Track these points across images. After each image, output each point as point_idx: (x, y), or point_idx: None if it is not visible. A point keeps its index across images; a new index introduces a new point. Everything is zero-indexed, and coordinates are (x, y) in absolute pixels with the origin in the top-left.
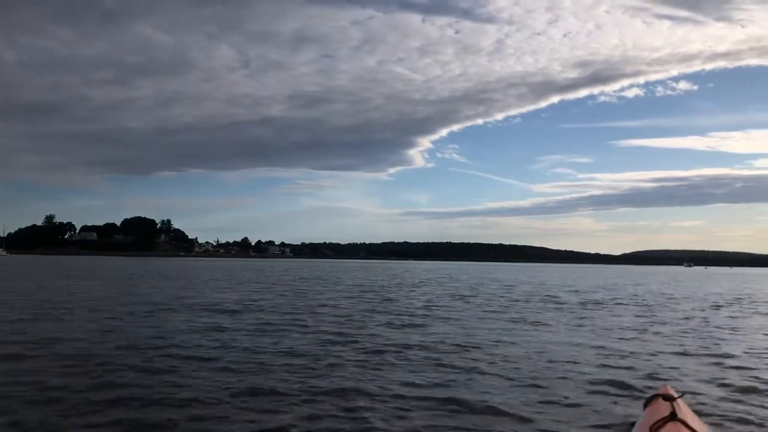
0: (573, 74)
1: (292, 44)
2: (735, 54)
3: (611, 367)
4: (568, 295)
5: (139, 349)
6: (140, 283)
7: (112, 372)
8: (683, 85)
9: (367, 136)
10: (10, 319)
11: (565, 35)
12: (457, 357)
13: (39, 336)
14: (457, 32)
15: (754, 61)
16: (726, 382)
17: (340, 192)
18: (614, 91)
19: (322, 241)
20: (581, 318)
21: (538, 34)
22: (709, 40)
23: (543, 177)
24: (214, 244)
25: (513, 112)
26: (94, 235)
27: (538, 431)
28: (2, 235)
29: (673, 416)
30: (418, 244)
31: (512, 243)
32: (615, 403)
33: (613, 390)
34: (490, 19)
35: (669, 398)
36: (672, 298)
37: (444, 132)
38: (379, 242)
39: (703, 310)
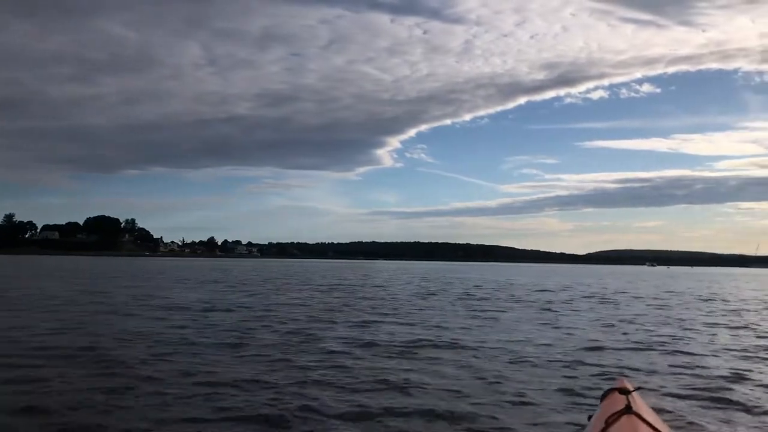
0: (540, 76)
1: (259, 42)
2: (696, 58)
3: (570, 361)
4: (534, 294)
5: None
6: (101, 284)
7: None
8: (646, 88)
9: (335, 136)
10: None
11: (532, 37)
12: (415, 352)
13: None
14: (425, 32)
15: (714, 65)
16: (681, 375)
17: (308, 191)
18: (580, 93)
19: (289, 241)
20: (544, 315)
21: (506, 35)
22: (672, 44)
23: (510, 177)
24: (180, 243)
25: (481, 112)
26: (56, 235)
27: (496, 429)
28: None
29: (628, 409)
30: (386, 243)
31: (480, 243)
32: (573, 397)
33: (571, 384)
34: (458, 20)
35: (625, 392)
36: (635, 296)
37: (412, 132)
38: (348, 242)
39: (663, 308)
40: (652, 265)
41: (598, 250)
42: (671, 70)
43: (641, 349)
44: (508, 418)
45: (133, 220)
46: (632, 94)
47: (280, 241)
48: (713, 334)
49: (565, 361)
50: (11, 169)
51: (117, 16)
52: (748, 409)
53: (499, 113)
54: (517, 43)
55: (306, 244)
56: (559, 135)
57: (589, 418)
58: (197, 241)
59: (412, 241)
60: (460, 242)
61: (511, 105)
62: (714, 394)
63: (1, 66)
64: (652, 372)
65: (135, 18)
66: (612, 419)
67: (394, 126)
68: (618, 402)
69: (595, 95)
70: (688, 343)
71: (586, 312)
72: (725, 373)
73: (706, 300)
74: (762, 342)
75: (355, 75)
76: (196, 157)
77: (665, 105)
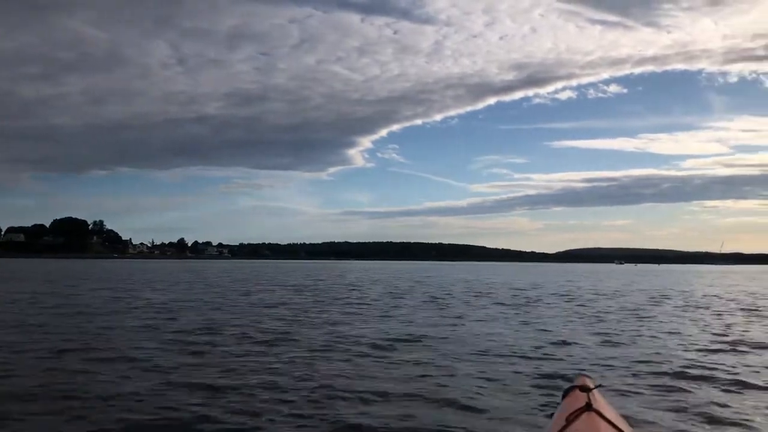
0: (509, 76)
1: (229, 41)
2: (662, 58)
3: (533, 358)
4: (502, 292)
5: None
6: (68, 287)
7: None
8: (613, 88)
9: (306, 136)
10: None
11: (501, 38)
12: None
13: None
14: (395, 33)
15: (679, 66)
16: (643, 371)
17: (279, 191)
18: (548, 93)
19: (261, 242)
20: (511, 313)
21: (475, 36)
22: (638, 45)
23: (480, 177)
24: (149, 245)
25: (451, 113)
26: (22, 237)
27: (459, 428)
28: None
29: (588, 406)
30: (358, 244)
31: (451, 242)
32: (536, 394)
33: (535, 382)
34: (428, 20)
35: (585, 389)
36: (601, 294)
37: (384, 132)
38: (320, 242)
39: (628, 305)
40: (620, 263)
41: (567, 248)
42: (638, 70)
43: (605, 346)
44: (468, 416)
45: (101, 222)
46: (600, 95)
47: (252, 241)
48: (676, 331)
49: (528, 358)
50: None
51: (84, 15)
52: (706, 405)
53: (469, 113)
54: (487, 43)
55: (278, 244)
56: (528, 135)
57: (551, 415)
58: (167, 242)
59: (384, 241)
60: (432, 242)
61: (480, 105)
62: (673, 390)
63: None
64: (615, 368)
65: (102, 17)
66: (572, 416)
67: (365, 126)
68: (579, 399)
69: (564, 95)
70: (650, 339)
71: (553, 309)
72: (685, 368)
73: (671, 297)
74: (723, 338)
75: (326, 75)
76: (166, 157)
77: (632, 105)
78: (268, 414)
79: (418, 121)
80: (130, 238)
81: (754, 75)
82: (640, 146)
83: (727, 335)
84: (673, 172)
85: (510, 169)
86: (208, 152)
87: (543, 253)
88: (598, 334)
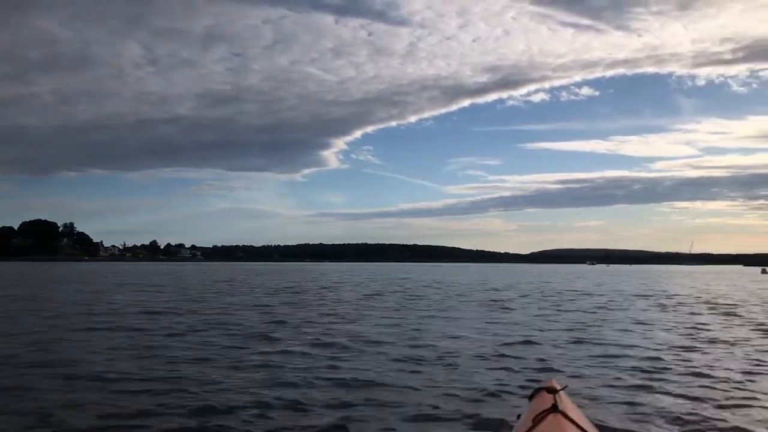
0: (483, 78)
1: (202, 42)
2: (633, 62)
3: (503, 359)
4: (475, 293)
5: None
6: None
7: None
8: (586, 91)
9: (279, 137)
10: None
11: (474, 40)
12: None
13: None
14: (370, 34)
15: (650, 69)
16: (610, 371)
17: (253, 193)
18: (521, 96)
19: (234, 244)
20: (483, 313)
21: (449, 38)
22: (609, 48)
23: (455, 179)
24: (121, 247)
25: (426, 114)
26: None
27: (430, 424)
28: None
29: (554, 408)
30: (333, 245)
31: (426, 243)
32: (504, 396)
33: (503, 384)
34: (402, 22)
35: (552, 391)
36: (572, 293)
37: (358, 133)
38: (294, 244)
39: (598, 305)
40: (593, 264)
41: (541, 249)
42: (609, 73)
43: (574, 346)
44: (433, 417)
45: (71, 224)
46: (572, 97)
47: (225, 243)
48: (645, 330)
49: (499, 359)
50: None
51: (54, 14)
52: (672, 405)
53: (443, 115)
54: (460, 46)
55: (251, 246)
56: (502, 137)
57: (519, 417)
58: (139, 244)
59: (359, 242)
60: (408, 243)
61: (455, 107)
62: (640, 390)
63: None
64: (583, 368)
65: (72, 16)
66: (539, 418)
67: (340, 127)
68: (545, 401)
69: (537, 98)
70: (619, 339)
71: (524, 309)
72: (652, 368)
73: (641, 296)
74: (690, 336)
75: (300, 76)
76: (137, 158)
77: (604, 107)
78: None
79: (393, 123)
80: (102, 241)
81: (721, 78)
82: (612, 148)
83: (693, 334)
84: (643, 174)
85: (484, 170)
86: (180, 153)
87: (517, 254)
88: (568, 332)
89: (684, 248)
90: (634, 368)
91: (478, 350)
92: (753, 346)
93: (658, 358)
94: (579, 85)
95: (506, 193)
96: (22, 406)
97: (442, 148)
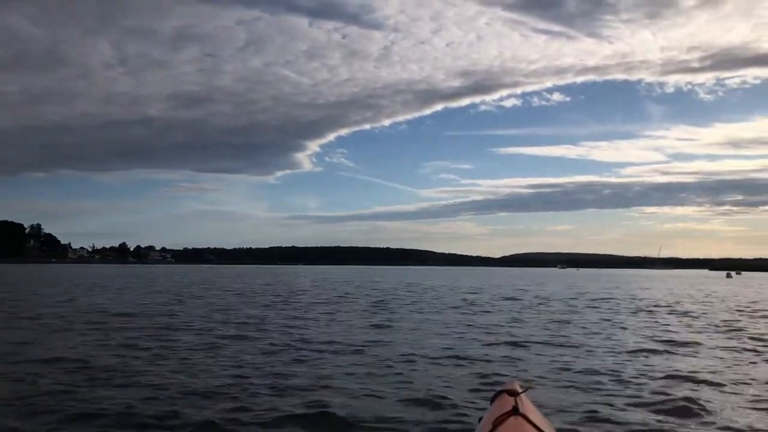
0: (456, 83)
1: (173, 42)
2: (603, 68)
3: (466, 359)
4: (445, 297)
5: None
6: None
7: None
8: (557, 97)
9: (252, 139)
10: None
11: (448, 45)
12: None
13: None
14: (344, 37)
15: (620, 76)
16: (571, 374)
17: (225, 195)
18: (494, 101)
19: (206, 246)
20: (450, 316)
21: (423, 42)
22: (581, 55)
23: (428, 182)
24: (90, 249)
25: (399, 118)
26: None
27: (388, 428)
28: None
29: (515, 410)
30: (306, 248)
31: (400, 246)
32: (467, 398)
33: (466, 386)
34: (376, 26)
35: (513, 393)
36: (541, 297)
37: (332, 136)
38: (267, 247)
39: (566, 308)
40: (563, 268)
41: (512, 253)
42: (580, 79)
43: (539, 348)
44: (392, 420)
45: (38, 225)
46: (543, 103)
47: (196, 246)
48: (610, 333)
49: (462, 361)
50: None
51: (22, 12)
52: (632, 407)
53: (417, 119)
54: (434, 50)
55: (223, 249)
56: (475, 141)
57: (480, 420)
58: (108, 246)
59: (332, 245)
60: (381, 246)
61: (428, 111)
62: (600, 393)
63: None
64: (545, 372)
65: (42, 14)
66: (499, 421)
67: (314, 130)
68: (506, 404)
69: (509, 103)
70: (582, 342)
71: (494, 313)
72: (613, 371)
73: (607, 299)
74: (654, 340)
75: (273, 77)
76: (107, 159)
77: (575, 113)
78: None
79: (367, 126)
80: (70, 243)
81: (689, 86)
82: (583, 153)
83: (657, 337)
84: (613, 179)
85: (457, 174)
86: (151, 155)
87: (489, 257)
88: (534, 335)
89: (652, 252)
90: (595, 372)
91: (440, 352)
92: (712, 348)
93: (620, 362)
94: (550, 90)
95: (479, 197)
96: None
97: (416, 152)
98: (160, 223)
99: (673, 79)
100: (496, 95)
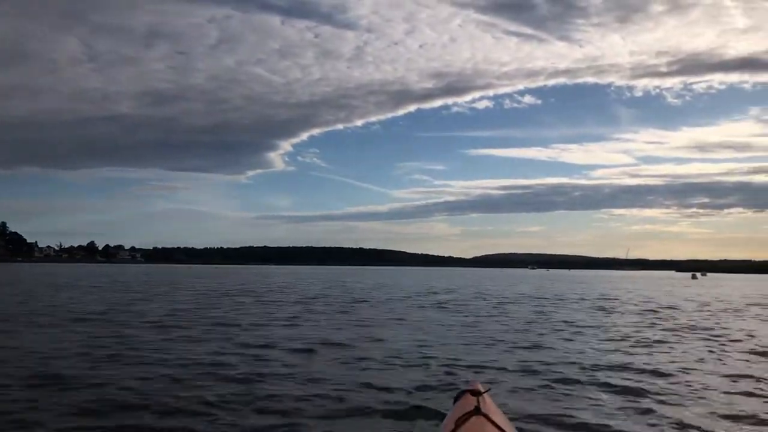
0: (429, 84)
1: (144, 39)
2: (574, 71)
3: (431, 359)
4: (415, 297)
5: None
6: None
7: None
8: (528, 99)
9: (224, 138)
10: None
11: (421, 46)
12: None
13: None
14: (317, 36)
15: (590, 79)
16: (535, 374)
17: (196, 194)
18: (466, 102)
19: (176, 246)
20: (417, 316)
21: (396, 43)
22: (552, 58)
23: (401, 183)
24: (57, 248)
25: (372, 118)
26: None
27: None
28: None
29: (477, 410)
30: (278, 248)
31: (372, 247)
32: (430, 398)
33: (429, 386)
34: (349, 26)
35: (476, 393)
36: (510, 297)
37: (305, 136)
38: (238, 246)
39: (533, 308)
40: (533, 268)
41: (484, 253)
42: (551, 82)
43: (503, 347)
44: (357, 416)
45: (3, 224)
46: (515, 105)
47: (166, 245)
48: (574, 333)
49: (425, 361)
50: None
51: None
52: (594, 406)
53: (390, 120)
54: (407, 51)
55: (194, 248)
56: (448, 142)
57: (443, 419)
58: (76, 245)
59: (304, 245)
60: (353, 246)
61: (401, 112)
62: (562, 393)
63: None
64: (509, 372)
65: (6, 8)
66: (461, 420)
67: (286, 129)
68: (469, 403)
69: (481, 105)
70: (549, 343)
71: (460, 314)
72: (576, 371)
73: (576, 300)
74: (619, 340)
75: (246, 76)
76: (74, 157)
77: (546, 116)
78: None
79: (340, 126)
80: (36, 242)
81: (657, 90)
82: (553, 155)
83: (620, 338)
84: (583, 181)
85: (430, 175)
86: (120, 153)
87: (460, 258)
88: (501, 335)
89: (621, 254)
90: (558, 371)
91: (406, 353)
92: (676, 347)
93: (584, 361)
94: (522, 93)
95: (451, 198)
96: None
97: (389, 153)
98: (129, 223)
99: (642, 83)
100: (468, 97)
